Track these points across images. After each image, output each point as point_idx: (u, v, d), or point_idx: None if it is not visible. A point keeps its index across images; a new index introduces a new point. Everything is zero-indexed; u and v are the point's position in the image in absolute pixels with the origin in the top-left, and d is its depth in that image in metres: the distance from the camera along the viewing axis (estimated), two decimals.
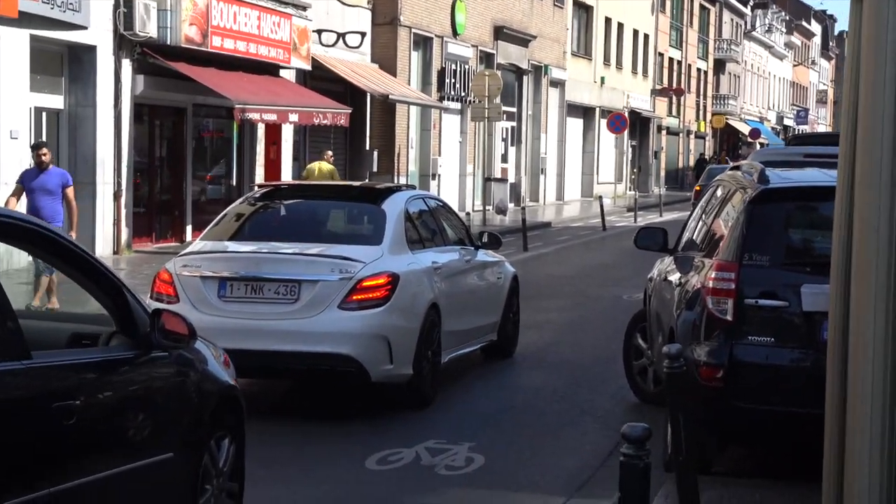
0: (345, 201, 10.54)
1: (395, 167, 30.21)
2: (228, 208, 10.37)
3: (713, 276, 6.94)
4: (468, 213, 21.86)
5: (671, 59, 63.01)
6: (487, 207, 32.50)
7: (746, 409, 6.74)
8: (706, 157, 63.26)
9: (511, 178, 38.58)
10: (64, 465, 4.40)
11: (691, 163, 65.28)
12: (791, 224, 7.28)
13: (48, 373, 4.44)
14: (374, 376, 8.89)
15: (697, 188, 33.69)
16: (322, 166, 22.51)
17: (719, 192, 8.34)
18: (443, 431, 8.51)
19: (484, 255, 11.21)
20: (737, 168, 8.75)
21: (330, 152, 23.19)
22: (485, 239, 11.27)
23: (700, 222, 8.53)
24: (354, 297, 8.75)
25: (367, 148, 29.44)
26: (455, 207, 33.77)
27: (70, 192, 13.47)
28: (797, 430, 6.76)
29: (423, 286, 9.39)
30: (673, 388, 5.50)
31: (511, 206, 35.74)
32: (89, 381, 4.69)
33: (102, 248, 20.00)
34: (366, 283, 8.80)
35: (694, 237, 8.51)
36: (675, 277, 8.14)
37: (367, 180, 26.45)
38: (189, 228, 22.93)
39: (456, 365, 10.43)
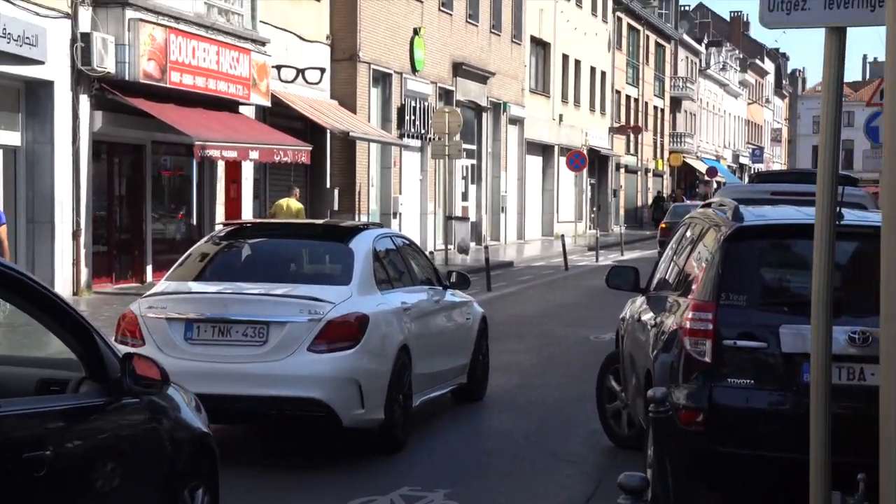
0: (311, 240, 10.36)
1: (357, 205, 30.09)
2: (193, 248, 10.16)
3: (690, 316, 6.87)
4: (431, 252, 21.81)
5: (628, 97, 63.47)
6: (449, 246, 32.44)
7: (727, 453, 6.67)
8: (663, 195, 63.73)
9: (472, 217, 38.57)
10: None
11: (649, 201, 65.63)
12: (767, 262, 7.24)
13: (16, 422, 4.28)
14: (346, 421, 8.69)
15: (664, 225, 33.78)
16: (290, 203, 22.58)
17: (691, 231, 8.28)
18: (417, 478, 8.36)
19: (452, 296, 11.08)
20: (707, 206, 8.71)
21: (297, 190, 23.16)
22: (453, 279, 11.14)
23: (672, 262, 8.47)
24: (324, 339, 8.55)
25: (328, 185, 29.32)
26: None
27: (2, 231, 13.10)
28: (779, 476, 6.69)
29: (393, 327, 9.22)
30: (658, 434, 5.40)
31: (473, 244, 35.67)
32: (59, 430, 4.52)
33: (62, 289, 19.70)
34: (335, 324, 8.59)
35: (667, 276, 8.45)
36: (648, 318, 8.07)
37: (328, 219, 26.31)
38: (150, 268, 22.68)
39: (427, 408, 10.30)
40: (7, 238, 13.33)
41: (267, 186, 27.22)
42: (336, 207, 29.15)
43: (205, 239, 10.46)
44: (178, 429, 5.38)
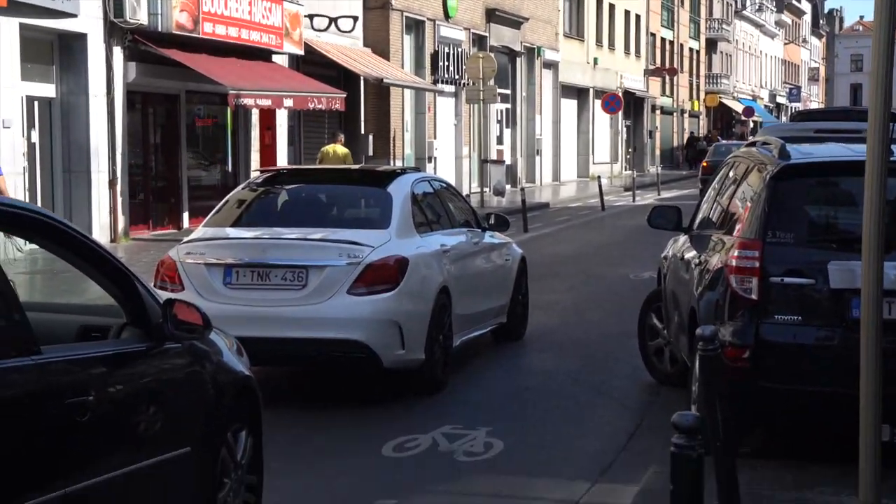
0: (349, 185, 10.39)
1: (391, 151, 30.05)
2: (230, 194, 10.18)
3: (736, 254, 6.81)
4: (467, 195, 21.78)
5: (663, 40, 62.85)
6: (485, 189, 32.36)
7: (774, 389, 6.63)
8: (697, 136, 63.25)
9: (507, 160, 38.44)
10: (78, 464, 4.26)
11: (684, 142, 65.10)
12: (814, 200, 7.15)
13: (59, 367, 4.26)
14: (386, 362, 8.74)
15: (705, 164, 33.42)
16: (336, 149, 22.98)
17: (734, 170, 8.18)
18: (459, 416, 8.37)
19: (491, 238, 11.11)
20: (751, 145, 8.58)
21: (342, 135, 23.30)
22: (492, 221, 11.19)
23: (715, 201, 8.37)
24: (363, 282, 8.61)
25: (363, 132, 29.26)
26: None
27: (1, 181, 13.02)
28: (826, 410, 6.66)
29: (433, 269, 9.29)
30: (708, 372, 5.34)
31: (508, 187, 35.60)
32: (102, 376, 4.52)
33: (99, 236, 19.81)
34: (375, 268, 8.66)
35: (710, 216, 8.36)
36: (692, 256, 8.00)
37: (363, 164, 26.29)
38: (186, 215, 22.77)
39: (466, 348, 10.33)
40: (6, 188, 13.34)
41: (301, 133, 27.21)
42: (371, 153, 29.11)
43: (242, 185, 10.48)
44: (220, 372, 5.37)
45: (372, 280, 8.64)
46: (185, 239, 9.30)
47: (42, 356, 4.13)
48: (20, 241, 3.90)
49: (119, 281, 4.83)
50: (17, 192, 17.82)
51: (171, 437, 4.89)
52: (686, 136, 67.15)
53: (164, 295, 7.87)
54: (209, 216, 9.76)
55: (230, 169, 24.76)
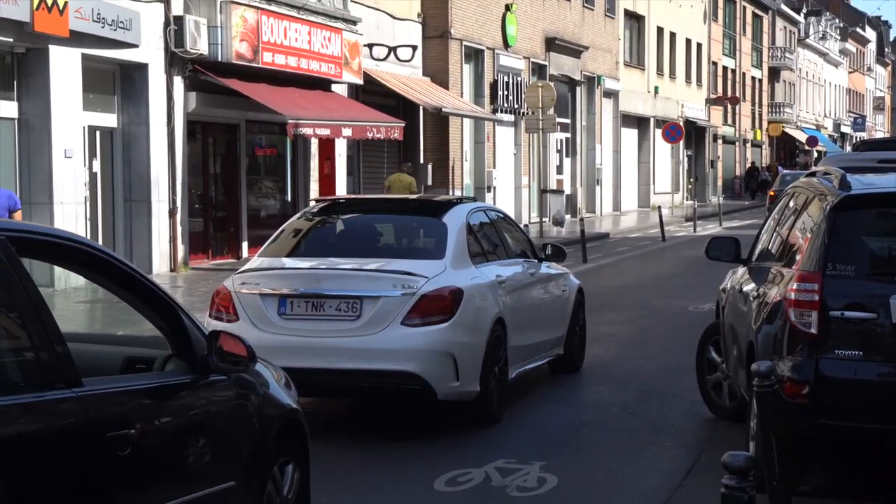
0: (405, 215, 10.36)
1: (451, 180, 30.05)
2: (286, 224, 10.20)
3: (795, 287, 6.68)
4: (525, 225, 21.67)
5: (725, 68, 62.49)
6: (544, 219, 32.24)
7: (833, 426, 6.48)
8: (757, 165, 62.73)
9: (567, 190, 38.32)
10: (120, 499, 4.24)
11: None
12: (876, 232, 7.01)
13: (101, 400, 4.23)
14: (441, 394, 8.67)
15: (772, 193, 33.09)
16: (402, 178, 23.29)
17: (794, 201, 8.04)
18: (512, 450, 8.29)
19: (548, 268, 11.05)
20: (811, 175, 8.43)
21: (410, 164, 23.66)
22: (548, 251, 11.13)
23: (774, 232, 8.24)
24: (418, 313, 8.58)
25: (422, 161, 29.29)
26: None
27: (18, 215, 12.87)
28: (888, 449, 6.52)
29: (488, 300, 9.23)
30: (764, 408, 5.20)
31: (567, 217, 35.46)
32: (145, 408, 4.51)
33: (159, 266, 19.97)
34: (429, 299, 8.61)
35: (769, 247, 8.23)
36: (751, 289, 7.87)
37: (421, 194, 26.31)
38: (245, 244, 22.89)
39: (522, 380, 10.25)
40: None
41: (360, 163, 27.29)
42: (430, 182, 29.13)
43: (298, 215, 10.46)
44: (267, 405, 5.34)
45: (426, 311, 8.60)
46: (240, 269, 9.34)
47: (83, 388, 4.11)
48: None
49: (163, 312, 4.82)
50: (77, 221, 18.01)
51: (215, 470, 4.85)
52: (748, 165, 66.60)
53: (218, 325, 8.54)
54: (265, 246, 9.76)
55: (289, 198, 24.87)
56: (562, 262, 11.43)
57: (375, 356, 8.53)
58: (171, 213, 20.32)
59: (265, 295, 8.81)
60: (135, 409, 4.44)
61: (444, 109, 27.67)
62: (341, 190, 25.85)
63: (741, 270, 8.75)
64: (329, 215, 10.20)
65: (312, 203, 10.69)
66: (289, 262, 9.30)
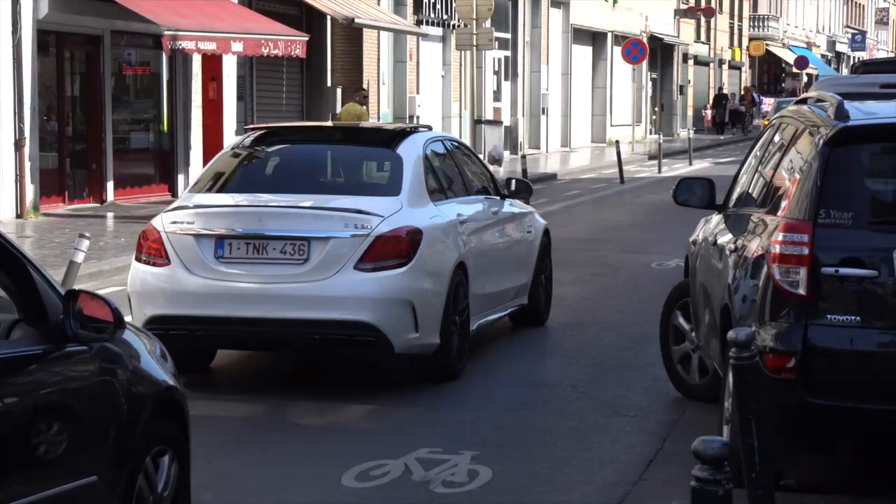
0: (354, 146, 10.85)
1: (365, 107, 29.89)
2: (217, 155, 10.66)
3: (780, 238, 6.73)
4: None
5: None
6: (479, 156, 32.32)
7: (825, 406, 6.56)
8: (726, 92, 62.78)
9: (506, 121, 38.39)
10: None
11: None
12: (878, 171, 7.08)
13: None
14: (398, 347, 9.20)
15: (766, 122, 33.41)
16: (351, 108, 23.11)
17: (781, 134, 8.12)
18: (438, 437, 8.32)
19: (511, 206, 11.64)
20: (802, 101, 8.51)
21: (364, 91, 23.92)
22: (513, 187, 11.72)
23: (756, 172, 8.31)
24: (372, 257, 9.13)
25: (329, 84, 29.15)
26: None
27: None
28: (889, 432, 6.60)
29: (449, 243, 9.82)
30: (741, 385, 5.26)
31: (507, 154, 35.55)
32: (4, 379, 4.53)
33: (3, 211, 19.71)
34: (385, 240, 9.17)
35: (750, 190, 8.32)
36: (727, 241, 7.94)
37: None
38: (110, 185, 22.66)
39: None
40: None
41: (254, 86, 27.10)
42: (338, 110, 29.00)
43: (231, 145, 10.96)
44: (138, 382, 5.33)
45: (382, 254, 9.15)
46: (170, 207, 9.79)
47: None
48: None
49: (7, 266, 4.77)
50: None
51: (73, 463, 4.84)
52: (729, 91, 67.09)
53: (149, 270, 9.34)
54: (195, 180, 10.21)
55: (165, 128, 24.64)
56: (528, 199, 12.10)
57: (325, 304, 9.04)
58: (18, 146, 20.06)
59: (200, 236, 9.30)
60: None
61: (356, 20, 27.52)
62: (230, 118, 25.68)
63: (715, 219, 8.81)
64: (267, 146, 10.61)
65: (246, 131, 11.09)
66: (226, 198, 9.80)
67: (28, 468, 4.62)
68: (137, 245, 9.61)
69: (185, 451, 5.66)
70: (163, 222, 9.46)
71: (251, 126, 12.27)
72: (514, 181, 11.88)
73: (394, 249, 9.17)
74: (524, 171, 24.81)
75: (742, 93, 64.63)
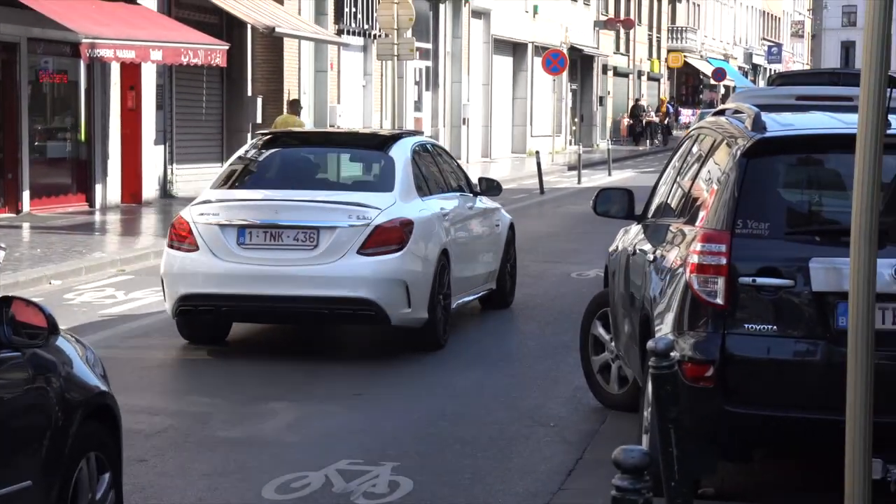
0: (352, 148, 13.05)
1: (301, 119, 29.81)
2: (232, 157, 12.45)
3: (698, 248, 6.79)
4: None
5: None
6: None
7: (742, 414, 6.62)
8: (643, 103, 62.89)
9: (427, 131, 38.40)
10: None
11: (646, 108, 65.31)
12: (795, 182, 7.17)
13: None
14: (394, 320, 10.92)
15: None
16: (289, 120, 24.08)
17: (699, 145, 8.19)
18: (359, 448, 8.30)
19: (482, 202, 13.44)
20: (720, 113, 8.59)
21: (299, 101, 25.14)
22: (483, 186, 13.53)
23: (675, 183, 8.37)
24: (372, 243, 10.85)
25: (250, 94, 29.02)
26: None
27: None
28: (806, 440, 6.67)
29: (435, 232, 11.59)
30: (661, 394, 5.28)
31: None
32: None
33: None
34: (382, 229, 10.88)
35: (668, 200, 8.37)
36: (646, 251, 7.99)
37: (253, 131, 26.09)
38: (26, 195, 22.34)
39: (372, 356, 10.48)
40: None
41: (173, 95, 26.88)
42: (259, 120, 28.88)
43: (244, 148, 12.70)
44: (71, 388, 5.36)
45: (380, 241, 10.90)
46: (196, 201, 11.40)
47: None
48: None
49: None
50: None
51: (7, 468, 4.89)
52: (647, 102, 67.55)
53: (180, 255, 11.04)
54: (216, 179, 11.81)
55: (83, 138, 24.37)
56: (497, 196, 13.89)
57: (333, 283, 10.78)
58: None
59: (224, 225, 11.00)
60: None
61: (277, 29, 27.40)
62: (149, 127, 25.50)
63: (635, 229, 8.86)
64: (276, 148, 12.48)
65: (258, 136, 12.77)
66: (244, 193, 11.50)
67: None
68: (169, 234, 11.34)
69: (117, 456, 5.72)
70: (191, 214, 11.14)
71: (261, 131, 13.85)
72: (484, 180, 13.67)
73: (390, 237, 10.89)
74: None
75: (659, 104, 64.93)
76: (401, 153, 11.80)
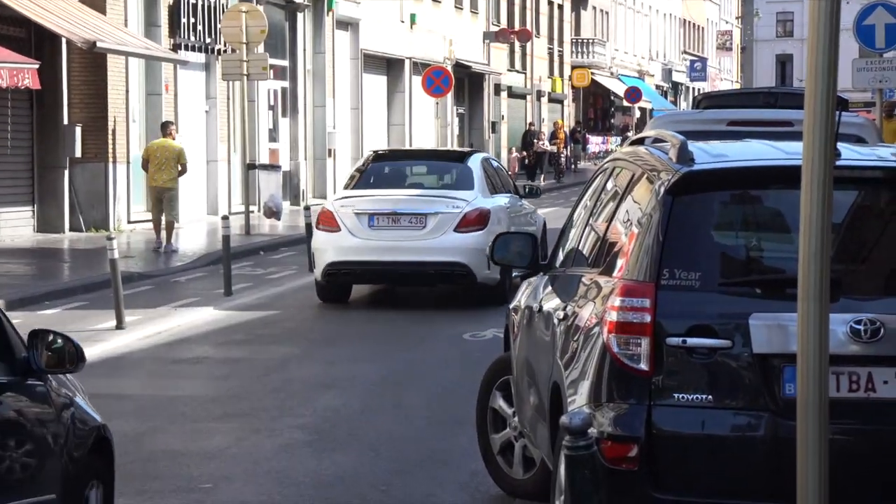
0: (440, 161, 22.55)
1: (110, 149, 29.64)
2: (354, 167, 22.21)
3: (617, 304, 6.84)
4: (225, 217, 21.69)
5: None
6: (252, 209, 32.09)
7: (673, 503, 6.64)
8: (535, 128, 61.81)
9: (285, 165, 38.37)
10: None
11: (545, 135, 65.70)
12: (730, 224, 7.23)
13: None
14: (479, 278, 18.65)
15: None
16: (167, 144, 26.19)
17: (614, 180, 8.25)
18: None
19: (524, 203, 21.67)
20: (638, 142, 8.70)
21: (174, 126, 27.03)
22: (526, 191, 22.36)
23: (587, 225, 8.44)
24: (463, 224, 18.81)
25: (66, 122, 28.80)
26: (203, 209, 33.40)
27: None
28: None
29: (502, 218, 19.44)
30: (578, 480, 5.32)
31: (286, 204, 35.47)
32: None
33: None
34: (470, 215, 18.93)
35: (580, 247, 8.43)
36: (555, 306, 8.05)
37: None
38: None
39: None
40: None
41: None
42: (78, 153, 28.72)
43: (361, 161, 22.26)
44: (81, 417, 7.03)
45: (469, 222, 18.87)
46: (335, 196, 20.98)
47: None
48: None
49: None
50: None
51: (36, 481, 6.50)
52: (547, 128, 68.01)
53: (326, 235, 19.04)
54: (346, 181, 21.11)
55: None
56: (536, 199, 23.33)
57: (437, 252, 18.67)
58: None
59: (358, 213, 19.03)
60: None
61: (99, 44, 27.29)
62: None
63: (540, 281, 8.92)
64: (386, 160, 21.76)
65: (371, 152, 22.28)
66: (372, 191, 19.69)
67: (2, 479, 6.21)
68: (317, 220, 19.58)
69: (111, 485, 7.33)
70: (333, 206, 19.47)
71: (374, 149, 24.79)
72: (527, 187, 23.20)
73: (476, 220, 18.92)
74: (308, 226, 24.69)
75: (553, 130, 62.59)
76: (476, 163, 20.48)
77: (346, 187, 20.30)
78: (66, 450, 6.75)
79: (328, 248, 18.84)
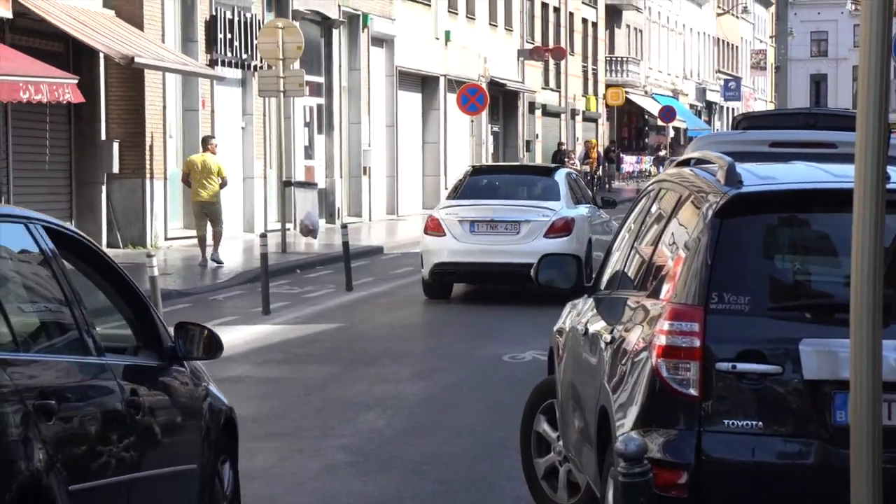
0: (529, 174, 26.32)
1: (148, 165, 29.71)
2: (455, 182, 24.84)
3: (666, 327, 6.79)
4: (263, 235, 21.71)
5: (545, 6, 63.88)
6: (288, 227, 32.11)
7: None
8: (565, 147, 61.87)
9: (320, 182, 38.37)
10: (135, 458, 6.78)
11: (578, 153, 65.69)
12: (779, 247, 7.16)
13: (123, 369, 6.95)
14: None
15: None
16: (207, 160, 26.90)
17: (659, 203, 8.21)
18: None
19: (601, 213, 24.42)
20: (683, 163, 8.65)
21: (215, 141, 27.70)
22: (601, 202, 25.35)
23: (633, 248, 8.40)
24: (552, 231, 21.61)
25: (104, 137, 28.88)
26: (239, 226, 33.44)
27: None
28: None
29: (585, 226, 22.44)
30: None
31: (322, 222, 35.47)
32: (149, 382, 7.26)
33: None
34: (557, 223, 21.71)
35: (625, 269, 8.38)
36: (601, 329, 8.00)
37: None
38: None
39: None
40: None
41: (9, 137, 26.68)
42: (116, 169, 28.77)
43: (462, 174, 25.19)
44: (215, 399, 7.97)
45: (557, 230, 21.64)
46: (440, 206, 23.65)
47: (106, 358, 6.76)
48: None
49: (133, 304, 7.42)
50: None
51: (185, 451, 7.47)
52: (580, 147, 67.98)
53: (433, 239, 22.21)
54: (449, 192, 24.54)
55: None
56: (612, 209, 25.77)
57: (528, 255, 19.26)
58: None
59: (461, 220, 22.00)
60: (140, 381, 7.09)
61: (137, 60, 27.35)
62: None
63: (585, 304, 8.88)
64: (483, 174, 25.32)
65: (469, 168, 26.52)
66: (472, 201, 22.62)
67: (164, 447, 7.16)
68: (425, 226, 22.56)
69: (236, 462, 8.22)
70: (439, 213, 22.47)
71: (472, 164, 33.13)
72: (601, 198, 26.35)
73: (563, 227, 21.72)
74: (345, 245, 24.73)
75: (587, 148, 62.88)
76: (561, 177, 23.60)
77: (448, 198, 23.58)
78: (205, 427, 7.73)
79: (435, 251, 21.83)
